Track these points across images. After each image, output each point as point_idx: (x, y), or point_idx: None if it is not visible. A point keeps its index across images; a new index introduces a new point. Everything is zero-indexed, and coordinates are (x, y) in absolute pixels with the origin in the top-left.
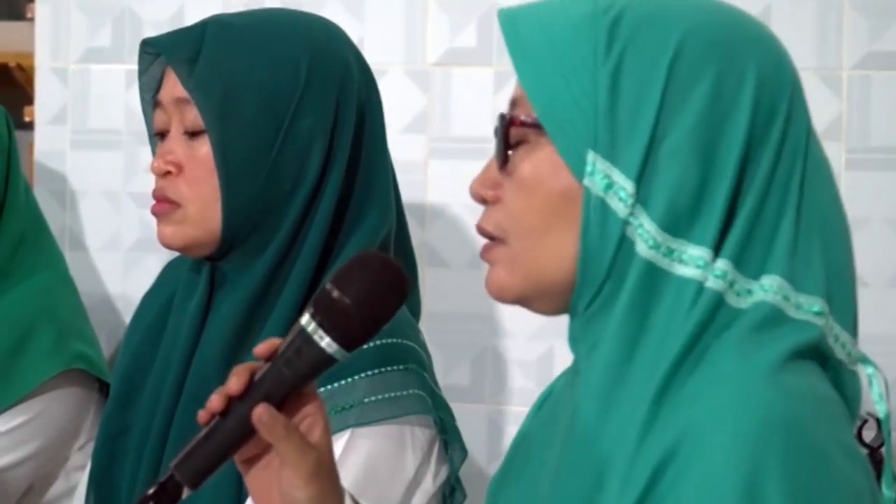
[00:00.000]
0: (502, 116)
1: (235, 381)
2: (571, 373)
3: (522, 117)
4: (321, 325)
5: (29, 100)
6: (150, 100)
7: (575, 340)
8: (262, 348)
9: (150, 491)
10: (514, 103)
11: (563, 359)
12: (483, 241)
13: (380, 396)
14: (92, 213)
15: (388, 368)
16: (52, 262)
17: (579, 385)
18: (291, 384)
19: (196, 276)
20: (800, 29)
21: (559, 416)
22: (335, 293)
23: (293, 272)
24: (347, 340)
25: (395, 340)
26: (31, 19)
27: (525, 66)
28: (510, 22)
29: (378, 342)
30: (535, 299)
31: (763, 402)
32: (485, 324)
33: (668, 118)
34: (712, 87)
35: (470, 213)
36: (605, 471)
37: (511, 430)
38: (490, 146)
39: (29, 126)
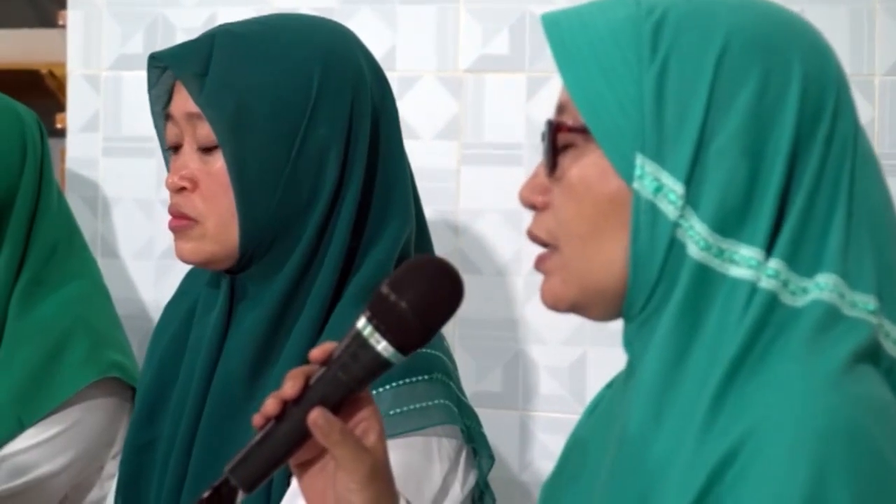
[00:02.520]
0: (549, 122)
1: (291, 385)
2: (626, 375)
3: (569, 122)
4: (377, 328)
5: (61, 107)
6: (161, 112)
7: (630, 343)
8: (317, 352)
9: (205, 495)
10: (560, 109)
11: (596, 365)
12: (534, 248)
13: (405, 408)
14: (124, 220)
15: (413, 379)
16: (86, 270)
17: (632, 388)
18: (347, 388)
19: (216, 288)
20: (832, 35)
21: (613, 418)
22: (392, 297)
23: (316, 283)
24: (404, 344)
25: (421, 350)
26: (63, 26)
27: (570, 70)
28: (554, 26)
29: None
30: (589, 306)
31: (827, 409)
32: (517, 330)
33: (716, 118)
34: (758, 85)
35: (503, 220)
36: (659, 473)
37: (542, 437)
38: (523, 153)
39: (61, 133)
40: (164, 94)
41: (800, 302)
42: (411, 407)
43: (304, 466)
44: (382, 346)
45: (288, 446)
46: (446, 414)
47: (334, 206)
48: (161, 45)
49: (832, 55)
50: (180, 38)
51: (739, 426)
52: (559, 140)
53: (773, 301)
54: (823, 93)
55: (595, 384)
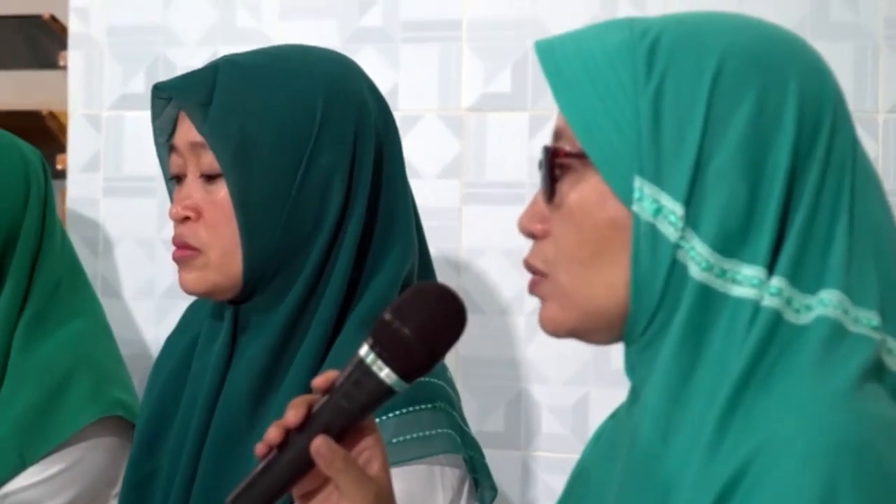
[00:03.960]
0: (546, 149)
1: (293, 414)
2: (629, 403)
3: (567, 148)
4: (380, 355)
5: (61, 148)
6: (165, 144)
7: (632, 368)
8: (319, 380)
9: None
10: (557, 135)
11: (599, 404)
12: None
13: (409, 436)
14: (125, 260)
15: (417, 408)
16: (90, 308)
17: (638, 411)
18: (350, 416)
19: (219, 319)
20: (835, 71)
21: (618, 446)
22: (395, 324)
23: (318, 313)
24: (407, 371)
25: (424, 379)
26: (63, 67)
27: (565, 95)
28: (548, 52)
29: None
30: (589, 331)
31: (837, 426)
32: (519, 369)
33: (713, 138)
34: (755, 104)
35: (505, 259)
36: (668, 493)
37: (545, 477)
38: (525, 191)
39: (61, 175)
40: (167, 125)
41: (803, 319)
42: (414, 435)
43: (308, 497)
44: (385, 373)
45: (290, 475)
46: (449, 443)
47: (337, 235)
48: None
49: (828, 72)
50: None
51: (748, 444)
52: (557, 166)
53: (777, 319)
54: (821, 110)
55: (597, 424)
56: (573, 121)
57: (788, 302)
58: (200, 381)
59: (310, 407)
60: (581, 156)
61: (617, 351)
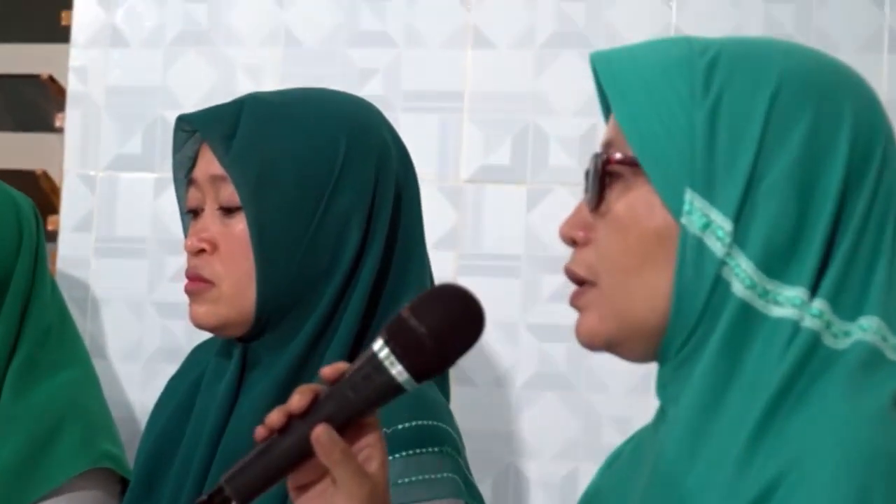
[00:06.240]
0: (597, 155)
1: (298, 399)
2: (654, 422)
3: (618, 155)
4: (394, 351)
5: (54, 209)
6: (183, 179)
7: (663, 387)
8: (328, 371)
9: (198, 501)
10: (607, 145)
11: (588, 479)
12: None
13: (413, 478)
14: (113, 321)
15: (424, 450)
16: (79, 357)
17: (666, 428)
18: (355, 410)
19: (226, 357)
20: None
21: (640, 464)
22: (412, 321)
23: (328, 353)
24: (419, 370)
25: (431, 423)
26: (60, 129)
27: (622, 104)
28: (605, 63)
29: (414, 423)
30: (625, 344)
31: (869, 441)
32: (511, 443)
33: (767, 158)
34: (810, 127)
35: (498, 332)
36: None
37: None
38: (521, 264)
39: (52, 236)
40: (187, 160)
41: (841, 344)
42: (420, 478)
43: (303, 489)
44: (397, 370)
45: (288, 461)
46: (454, 488)
47: (352, 276)
48: (160, 146)
49: (880, 105)
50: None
51: (780, 460)
52: (607, 173)
53: (815, 341)
54: (872, 140)
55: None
56: (628, 128)
57: (828, 326)
58: (204, 418)
59: (316, 396)
60: (633, 164)
61: (608, 426)
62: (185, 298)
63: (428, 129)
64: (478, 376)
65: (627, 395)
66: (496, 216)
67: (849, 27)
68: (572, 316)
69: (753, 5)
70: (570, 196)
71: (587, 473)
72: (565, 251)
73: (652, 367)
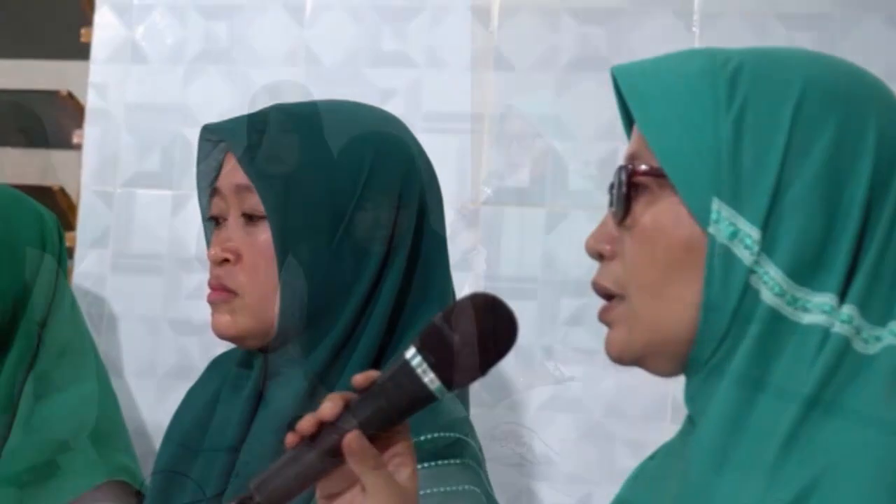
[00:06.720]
0: (622, 168)
1: (330, 407)
2: (683, 434)
3: (643, 167)
4: (426, 359)
5: (70, 226)
6: (207, 188)
7: (691, 398)
8: (360, 378)
9: None
10: (631, 157)
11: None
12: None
13: (435, 490)
14: (128, 338)
15: (446, 462)
16: (96, 374)
17: (695, 438)
18: (386, 418)
19: (246, 369)
20: None
21: (668, 477)
22: (445, 330)
23: (350, 364)
24: (451, 379)
25: (453, 435)
26: (78, 146)
27: (646, 116)
28: (627, 75)
29: (436, 435)
30: (655, 357)
31: None
32: (522, 466)
33: (793, 166)
34: (836, 135)
35: (514, 356)
36: None
37: None
38: (538, 286)
39: (68, 253)
40: (212, 170)
41: (871, 350)
42: (441, 489)
43: (331, 498)
44: (429, 378)
45: (318, 469)
46: (475, 501)
47: (375, 288)
48: (178, 164)
49: None
50: None
51: (814, 467)
52: (633, 185)
53: (845, 346)
54: None
55: None
56: (653, 140)
57: (858, 331)
58: (224, 429)
59: (346, 403)
60: (659, 175)
61: (623, 449)
62: (201, 316)
63: (447, 150)
64: (491, 398)
65: (642, 418)
66: (514, 239)
67: (871, 56)
68: (587, 340)
69: (776, 30)
70: (588, 220)
71: (601, 497)
72: (582, 275)
73: (667, 391)
